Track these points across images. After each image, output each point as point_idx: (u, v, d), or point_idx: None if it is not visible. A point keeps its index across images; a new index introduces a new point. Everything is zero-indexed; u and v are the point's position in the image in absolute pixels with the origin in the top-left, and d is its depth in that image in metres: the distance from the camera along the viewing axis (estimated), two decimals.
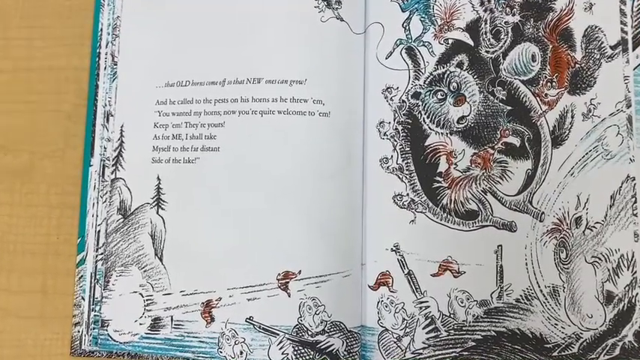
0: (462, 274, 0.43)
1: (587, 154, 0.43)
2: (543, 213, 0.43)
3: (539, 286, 0.42)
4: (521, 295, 0.42)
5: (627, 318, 0.42)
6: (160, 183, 0.45)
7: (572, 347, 0.42)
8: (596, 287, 0.42)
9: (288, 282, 0.42)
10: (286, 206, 0.43)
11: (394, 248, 0.44)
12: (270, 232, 0.43)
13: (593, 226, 0.42)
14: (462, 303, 0.43)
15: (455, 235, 0.44)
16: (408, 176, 0.45)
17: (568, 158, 0.43)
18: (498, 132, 0.44)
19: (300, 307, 0.42)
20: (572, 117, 0.44)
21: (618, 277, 0.42)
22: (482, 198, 0.44)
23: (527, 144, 0.44)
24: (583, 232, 0.42)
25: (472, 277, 0.43)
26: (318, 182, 0.43)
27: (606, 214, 0.42)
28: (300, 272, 0.43)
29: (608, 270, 0.42)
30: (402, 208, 0.45)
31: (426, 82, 0.45)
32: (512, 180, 0.44)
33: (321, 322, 0.42)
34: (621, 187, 0.43)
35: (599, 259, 0.42)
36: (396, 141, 0.45)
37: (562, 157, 0.43)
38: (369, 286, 0.44)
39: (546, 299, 0.42)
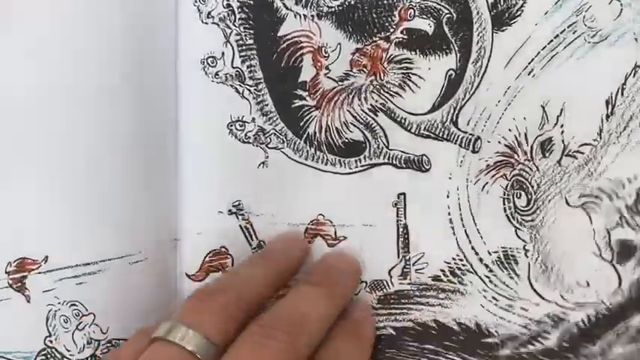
0: (340, 240, 0.30)
1: (556, 37, 0.28)
2: (479, 138, 0.29)
3: (477, 254, 0.29)
4: (442, 271, 0.30)
5: None
6: None
7: (545, 338, 0.29)
8: (596, 239, 0.28)
9: (25, 277, 0.28)
10: (19, 142, 0.28)
11: (234, 209, 0.30)
12: None
13: (578, 151, 0.29)
14: None
15: (329, 181, 0.30)
16: (252, 89, 0.30)
17: (522, 47, 0.29)
18: (396, 12, 0.29)
19: (48, 319, 0.29)
20: None
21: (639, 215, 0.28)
22: (372, 121, 0.30)
23: (446, 28, 0.29)
24: (558, 161, 0.29)
25: (358, 245, 0.30)
26: (81, 100, 0.28)
27: (601, 130, 0.29)
28: (46, 260, 0.28)
29: (618, 210, 0.28)
30: (245, 142, 0.30)
31: None
32: (422, 89, 0.29)
33: (90, 343, 0.29)
34: (624, 84, 0.28)
35: (597, 197, 0.29)
36: (229, 27, 0.30)
37: (511, 46, 0.29)
38: (188, 276, 0.31)
39: (492, 271, 0.29)
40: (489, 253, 0.29)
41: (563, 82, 0.29)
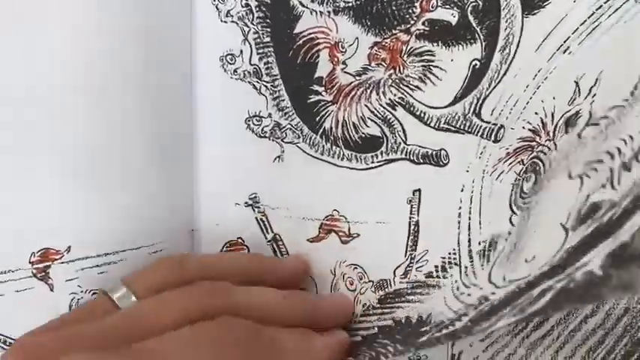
0: (353, 237, 0.29)
1: (599, 8, 0.25)
2: (502, 127, 0.26)
3: (469, 246, 0.27)
4: (436, 267, 0.27)
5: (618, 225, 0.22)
6: None
7: (460, 321, 0.25)
8: (570, 209, 0.24)
9: (48, 266, 0.28)
10: (41, 136, 0.27)
11: (250, 202, 0.30)
12: (14, 183, 0.27)
13: (604, 117, 0.25)
14: (352, 285, 0.29)
15: (345, 177, 0.29)
16: (269, 85, 0.30)
17: (556, 28, 0.25)
18: (417, 4, 0.28)
19: (71, 307, 0.28)
20: None
21: (628, 171, 0.23)
22: (390, 116, 0.29)
23: (471, 17, 0.27)
24: (578, 134, 0.25)
25: (370, 242, 0.29)
26: (97, 97, 0.28)
27: (635, 87, 0.24)
28: (68, 250, 0.28)
29: (610, 170, 0.24)
30: (261, 137, 0.30)
31: None
32: (443, 82, 0.27)
33: None
34: None
35: (599, 161, 0.24)
36: (247, 26, 0.30)
37: (543, 28, 0.26)
38: None
39: (472, 262, 0.27)
40: (479, 243, 0.27)
41: (604, 51, 0.25)
